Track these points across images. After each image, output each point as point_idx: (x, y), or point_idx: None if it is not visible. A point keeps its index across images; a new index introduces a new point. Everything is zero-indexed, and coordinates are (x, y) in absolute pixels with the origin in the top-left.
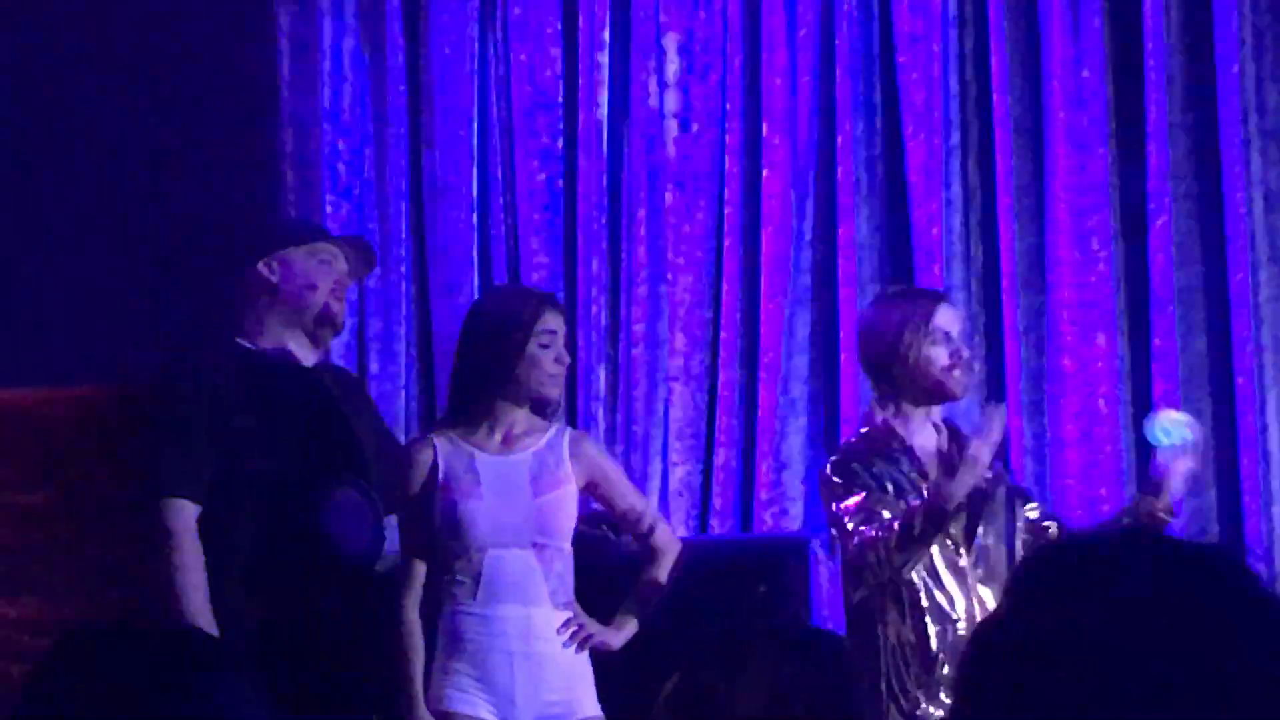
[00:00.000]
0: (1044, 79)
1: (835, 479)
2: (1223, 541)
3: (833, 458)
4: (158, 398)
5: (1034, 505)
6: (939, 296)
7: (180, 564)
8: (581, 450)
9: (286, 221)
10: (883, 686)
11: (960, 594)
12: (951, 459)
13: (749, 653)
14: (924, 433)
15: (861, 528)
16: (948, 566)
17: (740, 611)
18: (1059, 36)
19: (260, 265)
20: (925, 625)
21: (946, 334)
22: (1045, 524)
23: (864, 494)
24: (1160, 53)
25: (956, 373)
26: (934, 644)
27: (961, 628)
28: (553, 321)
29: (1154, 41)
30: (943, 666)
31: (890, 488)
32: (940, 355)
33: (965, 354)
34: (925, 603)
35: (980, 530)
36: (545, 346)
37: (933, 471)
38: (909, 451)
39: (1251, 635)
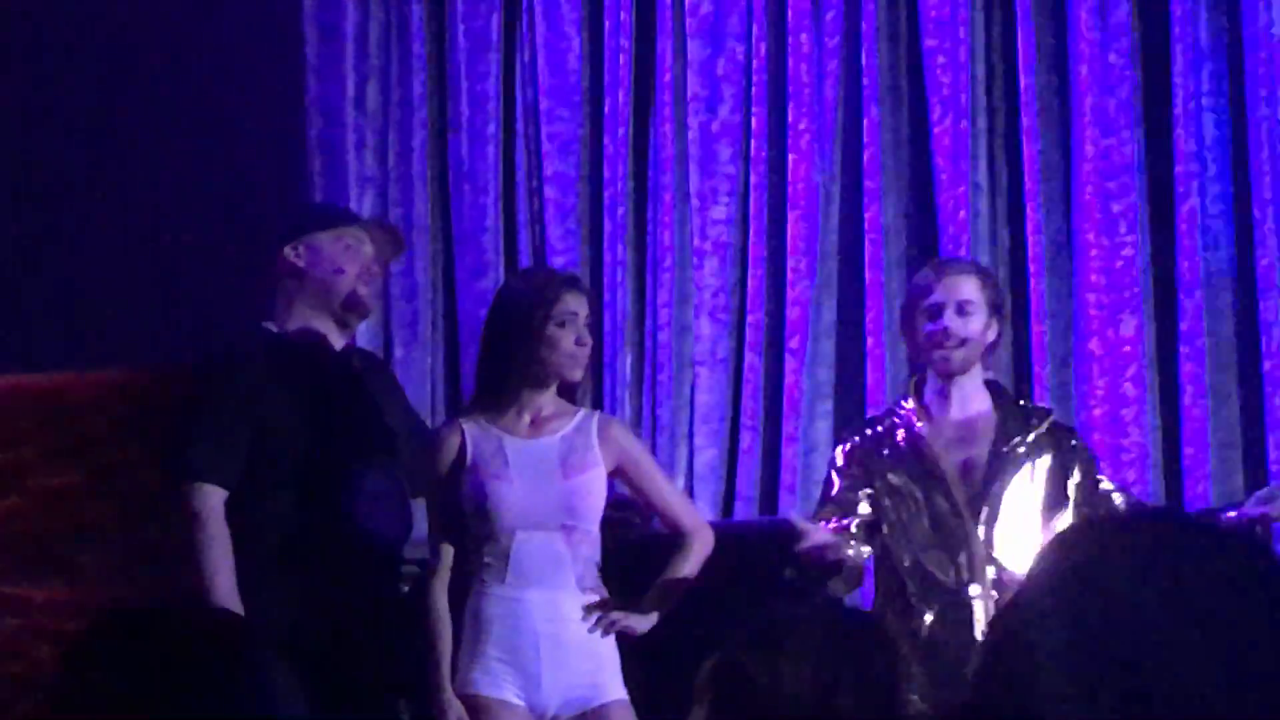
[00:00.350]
0: (1071, 63)
1: None
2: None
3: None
4: (187, 382)
5: (1101, 477)
6: None
7: (208, 548)
8: (610, 434)
9: (314, 206)
10: None
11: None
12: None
13: (793, 634)
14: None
15: None
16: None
17: (766, 595)
18: (1086, 20)
19: (288, 250)
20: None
21: None
22: (1110, 493)
23: None
24: (1187, 37)
25: None
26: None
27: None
28: (573, 303)
29: (1181, 26)
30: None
31: None
32: None
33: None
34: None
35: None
36: (564, 327)
37: None
38: None
39: (1277, 617)
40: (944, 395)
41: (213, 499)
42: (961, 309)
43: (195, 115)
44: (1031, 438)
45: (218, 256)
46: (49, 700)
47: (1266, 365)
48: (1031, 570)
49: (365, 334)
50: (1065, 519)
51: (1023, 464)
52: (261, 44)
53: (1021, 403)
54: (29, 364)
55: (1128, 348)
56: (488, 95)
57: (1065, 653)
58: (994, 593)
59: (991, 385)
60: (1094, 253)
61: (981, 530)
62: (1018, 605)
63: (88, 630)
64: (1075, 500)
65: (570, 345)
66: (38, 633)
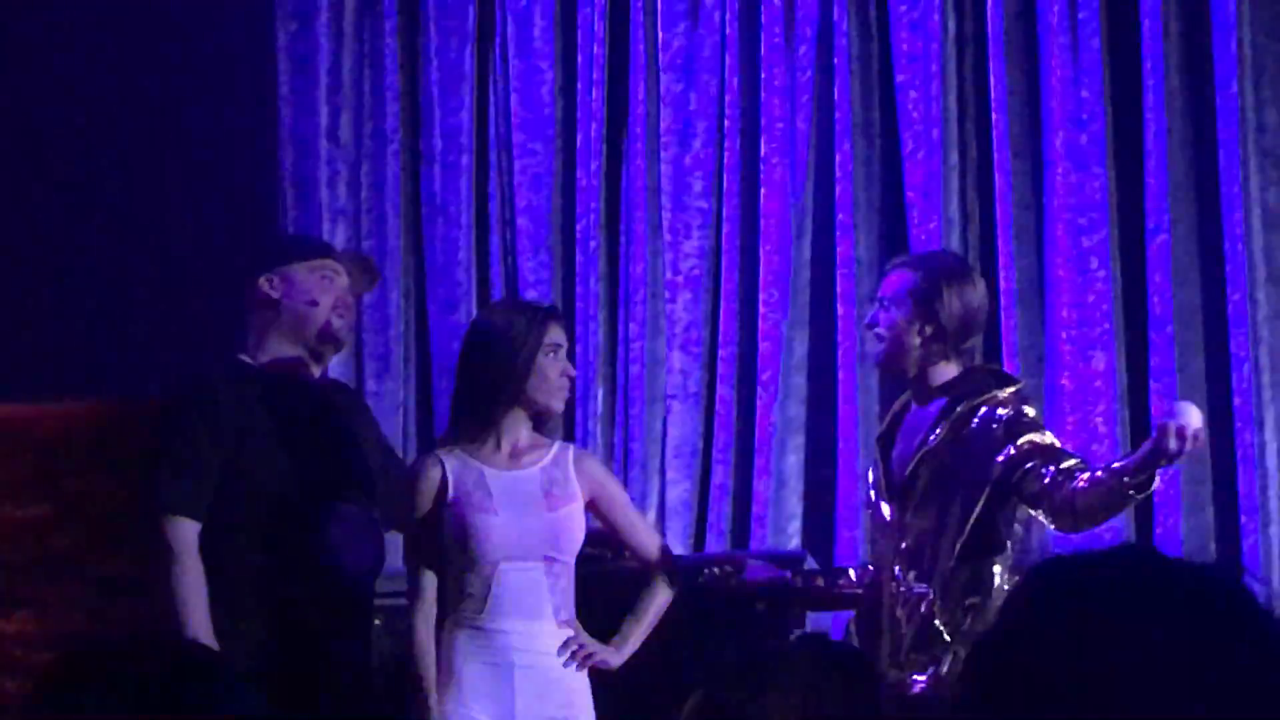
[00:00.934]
0: (1043, 99)
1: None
2: (1221, 560)
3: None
4: (160, 415)
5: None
6: None
7: (181, 581)
8: (584, 467)
9: (289, 238)
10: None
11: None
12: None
13: (777, 667)
14: None
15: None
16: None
17: (737, 630)
18: (1058, 56)
19: (262, 281)
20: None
21: None
22: (1069, 471)
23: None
24: (1159, 73)
25: None
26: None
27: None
28: (557, 334)
29: (1152, 61)
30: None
31: None
32: None
33: None
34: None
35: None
36: (551, 358)
37: None
38: None
39: (1250, 656)
40: (911, 394)
41: (186, 532)
42: (879, 305)
43: (168, 147)
44: (947, 425)
45: (190, 288)
46: None
47: (1237, 400)
48: (1000, 615)
49: (338, 366)
50: (1003, 508)
51: (939, 453)
52: (235, 76)
53: (985, 386)
54: None
55: (1099, 383)
56: (461, 128)
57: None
58: (905, 590)
59: (963, 376)
60: (1065, 288)
61: (907, 525)
62: (985, 654)
63: (58, 663)
64: (1004, 484)
65: (557, 376)
66: (6, 665)
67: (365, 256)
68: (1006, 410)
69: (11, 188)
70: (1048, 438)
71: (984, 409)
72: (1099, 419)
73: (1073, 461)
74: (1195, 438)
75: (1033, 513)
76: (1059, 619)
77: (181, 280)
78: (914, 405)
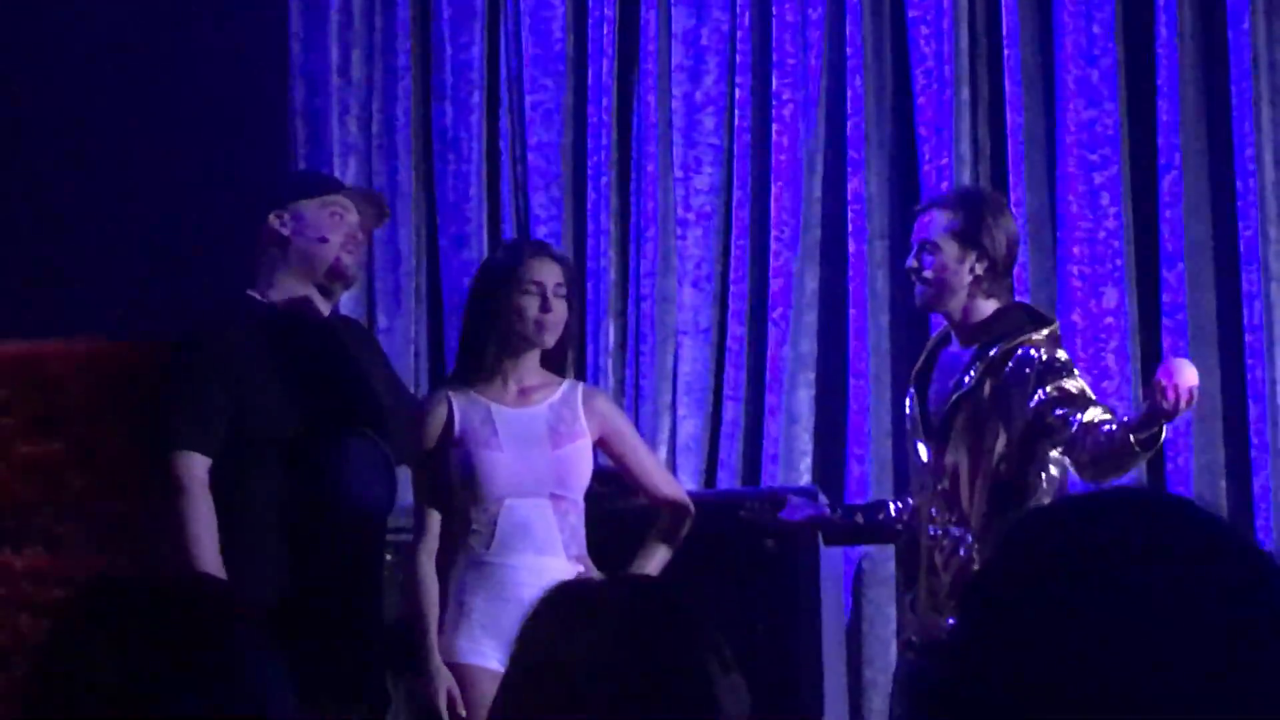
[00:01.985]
0: (1055, 34)
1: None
2: (1231, 496)
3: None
4: (169, 353)
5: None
6: None
7: (191, 516)
8: (595, 405)
9: (299, 174)
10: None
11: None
12: None
13: (583, 600)
14: None
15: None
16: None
17: (748, 566)
18: None
19: (272, 218)
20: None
21: None
22: (1092, 424)
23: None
24: (1171, 8)
25: None
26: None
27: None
28: (538, 271)
29: None
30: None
31: None
32: None
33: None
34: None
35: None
36: (529, 294)
37: None
38: None
39: (1247, 598)
40: (949, 331)
41: (196, 467)
42: (922, 248)
43: (180, 83)
44: (982, 366)
45: (201, 225)
46: (33, 670)
47: (1248, 337)
48: (998, 554)
49: (349, 303)
50: (1031, 451)
51: (975, 395)
52: (246, 13)
53: (1021, 326)
54: (10, 332)
55: (1110, 320)
56: (472, 64)
57: (1035, 641)
58: (941, 532)
59: (999, 315)
60: (1076, 224)
61: (944, 466)
62: (982, 590)
63: (72, 600)
64: (1034, 428)
65: (535, 312)
66: (20, 601)
67: (375, 193)
68: (1040, 354)
69: (23, 125)
70: (1078, 384)
71: (1019, 351)
72: (1110, 355)
73: (1098, 411)
74: (1190, 394)
75: (1064, 459)
76: (1054, 557)
77: (192, 217)
78: (952, 343)
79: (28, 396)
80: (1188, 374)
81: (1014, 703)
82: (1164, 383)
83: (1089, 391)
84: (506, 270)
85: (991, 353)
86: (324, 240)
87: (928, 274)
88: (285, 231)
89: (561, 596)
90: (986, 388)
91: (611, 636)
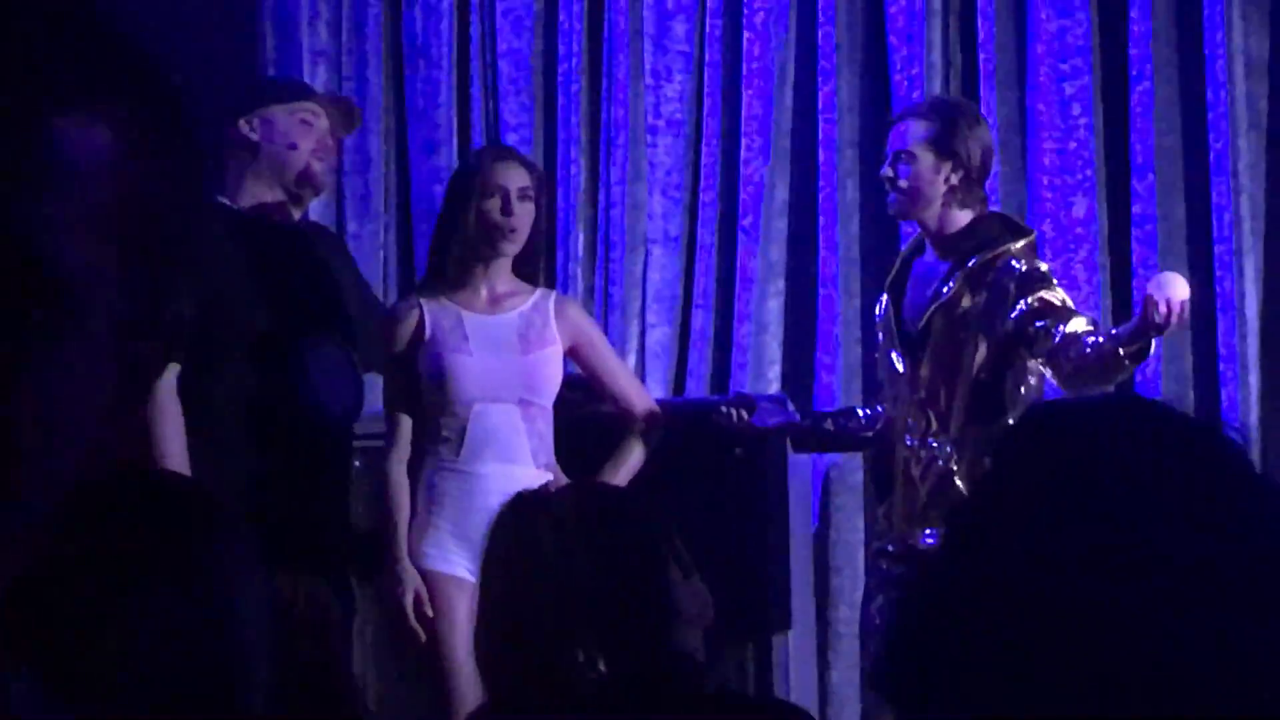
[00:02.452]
0: None
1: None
2: (1198, 407)
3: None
4: None
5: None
6: None
7: (158, 422)
8: (566, 313)
9: (269, 80)
10: None
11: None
12: None
13: (549, 507)
14: None
15: None
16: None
17: (716, 473)
18: None
19: (241, 123)
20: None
21: None
22: (1076, 335)
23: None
24: None
25: None
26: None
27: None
28: (502, 174)
29: None
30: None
31: None
32: None
33: None
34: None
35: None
36: (492, 198)
37: None
38: None
39: (1238, 499)
40: (923, 240)
41: (164, 374)
42: (897, 158)
43: None
44: (961, 277)
45: None
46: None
47: (1217, 249)
48: (993, 458)
49: (318, 208)
50: (1010, 360)
51: (952, 305)
52: None
53: (999, 237)
54: None
55: (1080, 229)
56: None
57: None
58: (918, 443)
59: (975, 225)
60: (1047, 134)
61: (920, 376)
62: (975, 499)
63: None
64: (1015, 339)
65: (496, 216)
66: None
67: (345, 98)
68: (1020, 264)
69: None
70: (1059, 295)
71: (999, 262)
72: (1079, 265)
73: (1081, 323)
74: (1182, 309)
75: (1043, 370)
76: (1049, 460)
77: None
78: (926, 253)
79: None
80: (1179, 288)
81: (1006, 610)
82: (1155, 297)
83: (1070, 302)
84: (470, 175)
85: (970, 263)
86: (293, 147)
87: (903, 183)
88: (254, 137)
89: (523, 503)
90: (965, 299)
91: (571, 540)
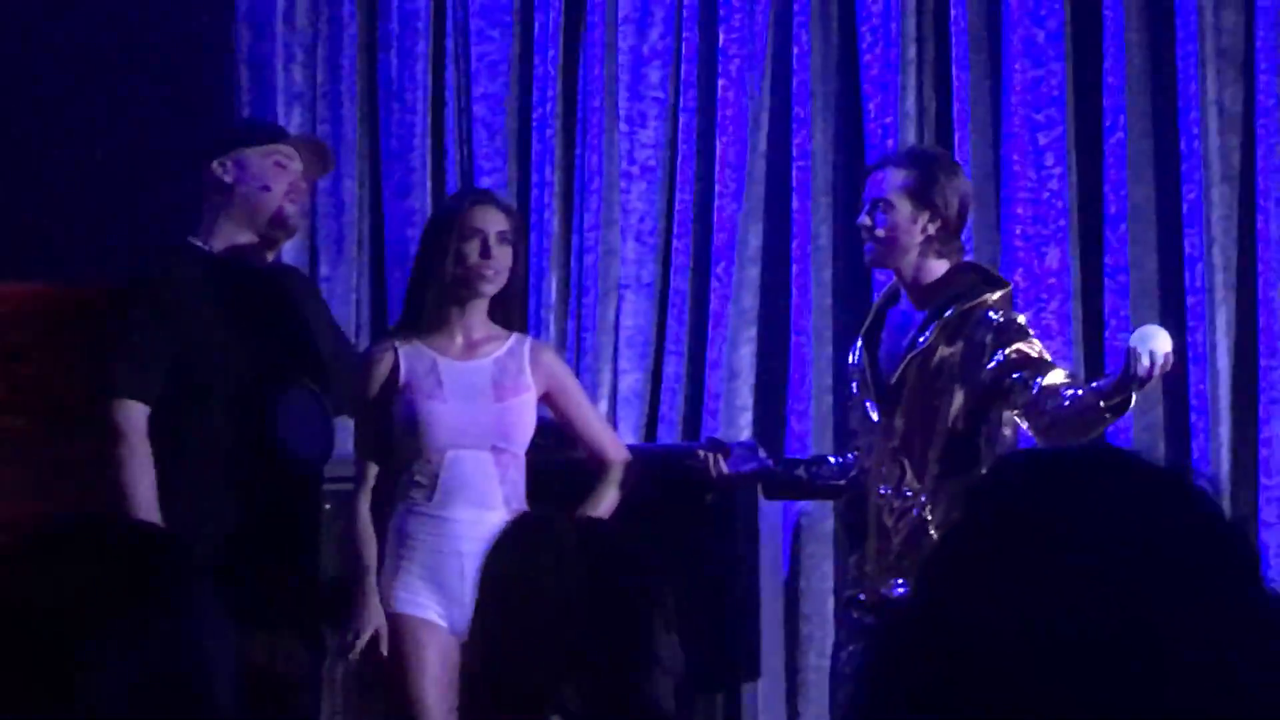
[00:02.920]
0: None
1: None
2: (1169, 458)
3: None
4: (110, 298)
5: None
6: None
7: (129, 465)
8: (541, 359)
9: (243, 122)
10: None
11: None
12: None
13: (543, 535)
14: None
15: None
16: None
17: (687, 520)
18: None
19: (215, 165)
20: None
21: None
22: (1054, 388)
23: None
24: None
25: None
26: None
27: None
28: (480, 218)
29: None
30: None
31: None
32: None
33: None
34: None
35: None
36: (470, 241)
37: None
38: None
39: (1207, 556)
40: (898, 289)
41: (134, 415)
42: (874, 206)
43: (124, 27)
44: (937, 328)
45: (145, 170)
46: None
47: (1190, 300)
48: (963, 508)
49: (291, 251)
50: (989, 412)
51: (928, 356)
52: None
53: (976, 288)
54: None
55: (1052, 280)
56: (418, 13)
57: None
58: (892, 492)
59: (951, 275)
60: (1021, 184)
61: (895, 426)
62: (945, 549)
63: (13, 545)
64: (992, 390)
65: (475, 259)
66: None
67: (319, 141)
68: (998, 315)
69: None
70: (1035, 347)
71: (976, 313)
72: (1051, 316)
73: (1059, 375)
74: (1166, 361)
75: (1019, 421)
76: (1018, 511)
77: (136, 163)
78: (901, 302)
79: None
80: (1163, 341)
81: (974, 662)
82: (1139, 349)
83: (1047, 354)
84: (449, 218)
85: (947, 313)
86: (266, 189)
87: (880, 232)
88: (228, 179)
89: (528, 534)
90: (942, 349)
91: (569, 579)
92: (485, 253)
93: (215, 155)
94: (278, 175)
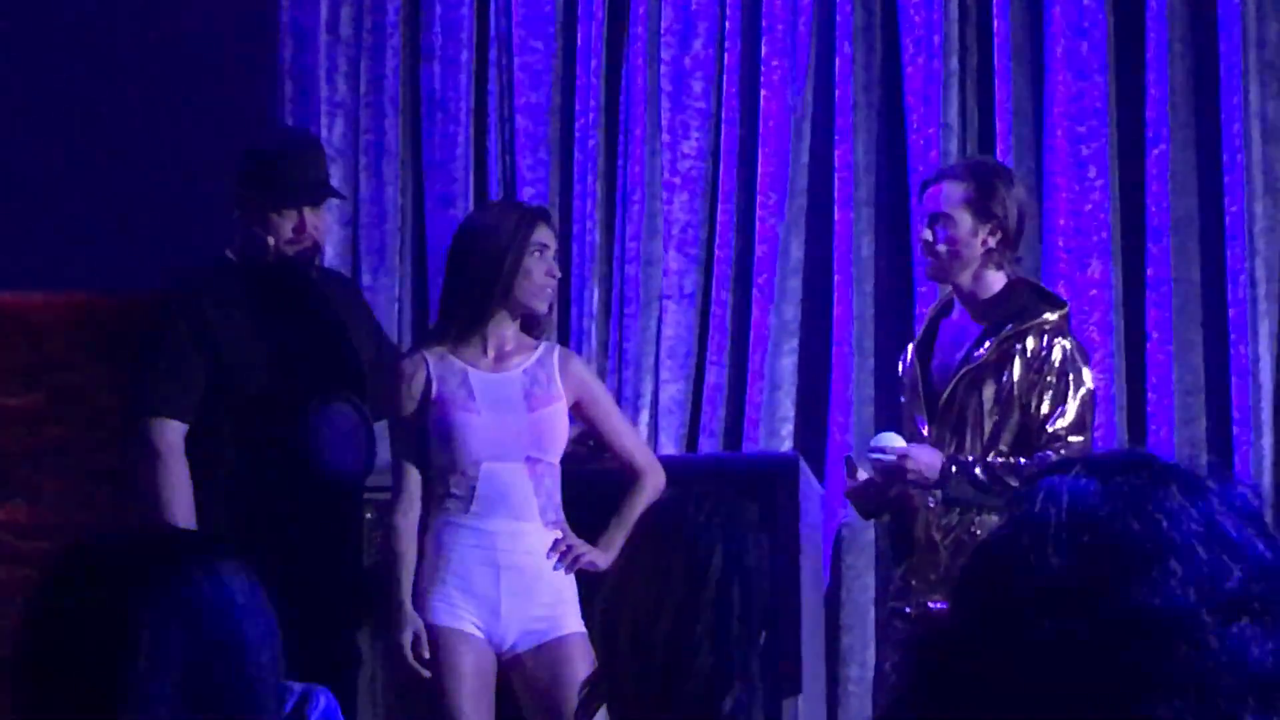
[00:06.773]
0: (1045, 5)
1: None
2: (1211, 470)
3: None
4: (150, 308)
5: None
6: None
7: (165, 482)
8: (570, 368)
9: (303, 179)
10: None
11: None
12: None
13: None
14: None
15: None
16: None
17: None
18: None
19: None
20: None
21: None
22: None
23: None
24: None
25: None
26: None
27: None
28: (544, 235)
29: None
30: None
31: None
32: None
33: None
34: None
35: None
36: (537, 258)
37: None
38: None
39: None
40: (951, 300)
41: (170, 433)
42: (934, 220)
43: (168, 38)
44: (994, 342)
45: (187, 180)
46: (18, 627)
47: (1231, 312)
48: (1003, 524)
49: (333, 261)
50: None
51: (985, 372)
52: None
53: (1034, 306)
54: None
55: (1094, 292)
56: (461, 23)
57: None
58: (941, 505)
59: (1009, 291)
60: (1063, 196)
61: (946, 438)
62: (982, 562)
63: (55, 557)
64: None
65: (542, 276)
66: (1, 553)
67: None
68: (1066, 344)
69: (9, 81)
70: (1079, 403)
71: (1032, 337)
72: (1093, 328)
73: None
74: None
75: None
76: (1058, 522)
77: (180, 173)
78: (956, 314)
79: (10, 348)
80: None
81: (1014, 678)
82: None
83: (1087, 416)
84: (513, 232)
85: (1005, 329)
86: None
87: (941, 247)
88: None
89: (666, 531)
90: (996, 365)
91: (699, 582)
92: (551, 270)
93: (276, 207)
94: (285, 229)
